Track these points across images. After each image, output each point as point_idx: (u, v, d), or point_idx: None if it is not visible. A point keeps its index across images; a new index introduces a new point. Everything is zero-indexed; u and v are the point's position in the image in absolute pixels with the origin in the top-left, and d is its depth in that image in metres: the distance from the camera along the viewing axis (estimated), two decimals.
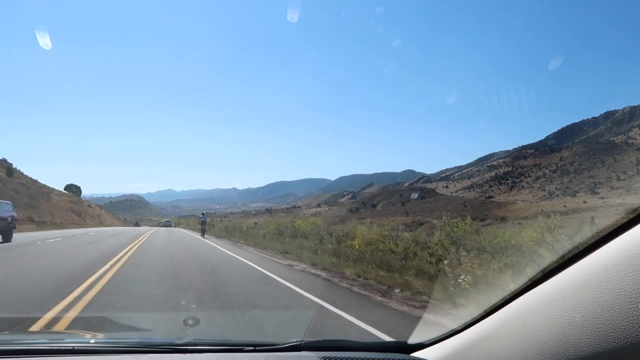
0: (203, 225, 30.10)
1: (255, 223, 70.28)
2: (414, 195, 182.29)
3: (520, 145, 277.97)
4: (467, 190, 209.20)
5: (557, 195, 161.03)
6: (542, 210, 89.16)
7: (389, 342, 2.12)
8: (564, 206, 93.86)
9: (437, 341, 1.79)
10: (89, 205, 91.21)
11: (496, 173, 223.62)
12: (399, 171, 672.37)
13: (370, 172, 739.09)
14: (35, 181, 79.43)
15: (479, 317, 1.53)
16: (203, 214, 32.23)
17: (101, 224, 77.90)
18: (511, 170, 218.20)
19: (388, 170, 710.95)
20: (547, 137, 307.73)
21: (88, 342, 1.93)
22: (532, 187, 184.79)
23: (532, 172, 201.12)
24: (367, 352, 1.90)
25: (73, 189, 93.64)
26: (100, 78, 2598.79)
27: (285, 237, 41.10)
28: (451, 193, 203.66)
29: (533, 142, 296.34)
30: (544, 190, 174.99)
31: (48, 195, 70.70)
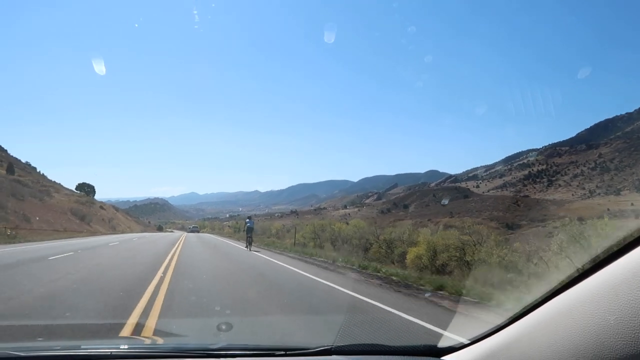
0: (249, 233, 22.68)
1: (283, 225, 67.32)
2: (445, 201, 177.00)
3: (550, 143, 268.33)
4: (499, 190, 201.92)
5: (599, 193, 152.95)
6: (608, 210, 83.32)
7: (420, 346, 2.03)
8: (632, 204, 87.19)
9: (467, 344, 1.78)
10: (101, 207, 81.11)
11: (529, 171, 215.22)
12: (423, 171, 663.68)
13: (393, 173, 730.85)
14: (43, 179, 76.98)
15: (509, 320, 1.51)
16: (249, 218, 24.54)
17: (112, 229, 67.15)
18: (545, 168, 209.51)
19: (411, 171, 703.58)
20: (578, 134, 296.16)
21: (125, 349, 1.99)
22: (570, 185, 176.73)
23: (568, 169, 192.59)
24: (398, 356, 1.91)
25: (86, 189, 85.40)
26: (125, 83, 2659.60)
27: (323, 240, 37.39)
28: (483, 193, 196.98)
29: (564, 139, 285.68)
30: (584, 188, 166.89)
31: (49, 194, 62.70)
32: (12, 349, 1.84)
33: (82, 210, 64.49)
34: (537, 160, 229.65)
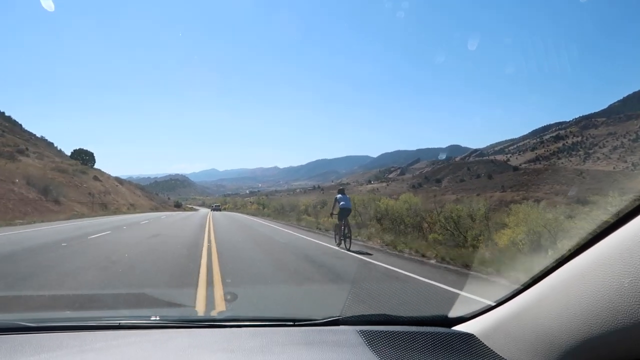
0: (344, 218, 12.14)
1: (312, 201, 63.47)
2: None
3: (581, 115, 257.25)
4: (532, 163, 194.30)
5: None
6: None
7: (430, 316, 1.98)
8: None
9: (478, 314, 1.76)
10: (95, 177, 62.48)
11: (563, 144, 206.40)
12: (444, 146, 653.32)
13: (414, 148, 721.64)
14: (39, 146, 68.88)
15: (520, 288, 1.50)
16: (342, 191, 13.22)
17: (103, 208, 48.84)
18: (581, 140, 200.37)
19: (432, 146, 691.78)
20: (611, 105, 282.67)
21: (131, 319, 2.01)
22: (610, 158, 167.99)
23: (606, 141, 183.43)
24: (407, 326, 1.86)
25: (82, 156, 72.69)
26: (144, 61, 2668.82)
27: (366, 219, 32.99)
28: (517, 165, 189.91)
29: (595, 111, 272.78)
30: (625, 161, 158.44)
31: (12, 157, 49.36)
32: (22, 319, 1.87)
33: (52, 179, 44.69)
34: (570, 132, 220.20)
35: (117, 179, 79.64)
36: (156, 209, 74.00)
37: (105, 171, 78.12)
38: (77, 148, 74.77)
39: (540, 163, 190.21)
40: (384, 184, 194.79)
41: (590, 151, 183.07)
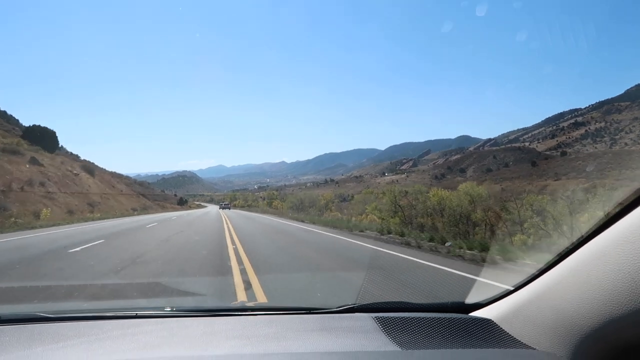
0: None
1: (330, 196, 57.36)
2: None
3: (598, 101, 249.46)
4: (554, 151, 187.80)
5: None
6: None
7: (446, 303, 1.96)
8: None
9: (495, 300, 1.74)
10: (33, 160, 42.65)
11: (586, 130, 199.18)
12: (453, 137, 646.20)
13: (422, 139, 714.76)
14: None
15: (538, 272, 1.47)
16: None
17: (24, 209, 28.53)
18: (605, 126, 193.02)
19: (441, 137, 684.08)
20: (627, 90, 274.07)
21: (147, 310, 2.03)
22: (639, 143, 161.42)
23: (633, 126, 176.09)
24: (424, 313, 1.84)
25: (38, 134, 53.44)
26: (150, 60, 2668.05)
27: (411, 216, 26.81)
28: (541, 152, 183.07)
29: (611, 96, 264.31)
30: None
31: None
32: (40, 310, 1.90)
33: None
34: (592, 117, 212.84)
35: (86, 165, 58.36)
36: (143, 210, 53.52)
37: (74, 152, 61.04)
38: (33, 124, 56.35)
39: (561, 149, 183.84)
40: (403, 176, 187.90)
41: (617, 137, 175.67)
